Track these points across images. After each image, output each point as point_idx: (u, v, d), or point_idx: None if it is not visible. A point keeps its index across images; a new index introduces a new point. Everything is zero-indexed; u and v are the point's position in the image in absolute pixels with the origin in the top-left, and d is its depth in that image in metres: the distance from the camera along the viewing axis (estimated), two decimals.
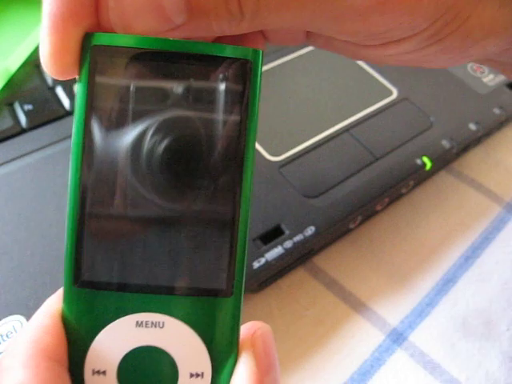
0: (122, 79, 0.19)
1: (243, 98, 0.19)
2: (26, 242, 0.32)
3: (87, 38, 0.19)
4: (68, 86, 0.41)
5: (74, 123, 0.19)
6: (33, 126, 0.39)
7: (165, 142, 0.19)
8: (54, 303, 0.20)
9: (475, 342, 0.36)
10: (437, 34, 0.23)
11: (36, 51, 0.42)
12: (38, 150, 0.37)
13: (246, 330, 0.20)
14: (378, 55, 0.26)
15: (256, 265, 0.33)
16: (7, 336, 0.28)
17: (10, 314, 0.29)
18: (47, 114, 0.39)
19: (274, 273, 0.35)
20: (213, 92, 0.19)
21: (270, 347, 0.20)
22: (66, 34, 0.18)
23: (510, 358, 0.35)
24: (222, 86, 0.19)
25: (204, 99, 0.19)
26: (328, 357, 0.34)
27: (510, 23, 0.24)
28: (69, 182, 0.19)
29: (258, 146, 0.40)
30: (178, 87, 0.19)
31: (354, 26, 0.22)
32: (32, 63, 0.42)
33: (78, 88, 0.19)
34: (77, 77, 0.19)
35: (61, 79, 0.19)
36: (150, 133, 0.19)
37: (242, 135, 0.19)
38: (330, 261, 0.39)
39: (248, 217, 0.19)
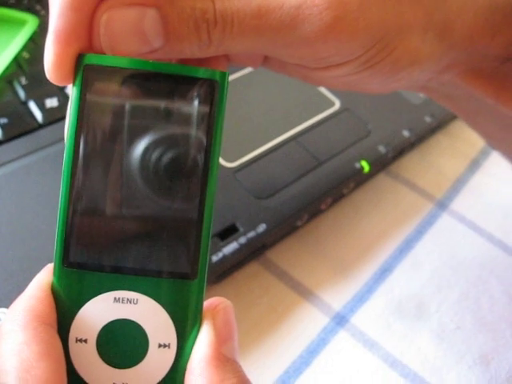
0: (108, 94, 0.21)
1: (210, 113, 0.21)
2: (6, 244, 0.34)
3: (80, 58, 0.21)
4: (40, 101, 0.42)
5: (68, 128, 0.21)
6: (8, 138, 0.40)
7: (145, 150, 0.21)
8: (43, 278, 0.22)
9: (408, 322, 0.39)
10: (370, 60, 0.26)
11: (9, 68, 0.44)
12: (13, 160, 0.39)
13: (209, 304, 0.22)
14: (323, 77, 0.29)
15: (214, 259, 0.35)
16: None
17: None
18: (21, 126, 0.41)
19: (231, 266, 0.37)
20: (183, 108, 0.21)
21: (229, 319, 0.22)
22: (64, 50, 0.21)
23: (437, 336, 0.39)
24: (192, 103, 0.21)
25: (176, 114, 0.21)
26: (280, 338, 0.37)
27: (431, 54, 0.27)
28: (60, 190, 0.21)
29: None
30: (154, 103, 0.21)
31: (301, 52, 0.25)
32: (5, 79, 0.43)
33: (71, 98, 0.21)
34: (70, 91, 0.21)
35: (59, 85, 0.22)
36: (132, 141, 0.21)
37: (208, 146, 0.21)
38: (280, 255, 0.42)
39: (211, 219, 0.22)
